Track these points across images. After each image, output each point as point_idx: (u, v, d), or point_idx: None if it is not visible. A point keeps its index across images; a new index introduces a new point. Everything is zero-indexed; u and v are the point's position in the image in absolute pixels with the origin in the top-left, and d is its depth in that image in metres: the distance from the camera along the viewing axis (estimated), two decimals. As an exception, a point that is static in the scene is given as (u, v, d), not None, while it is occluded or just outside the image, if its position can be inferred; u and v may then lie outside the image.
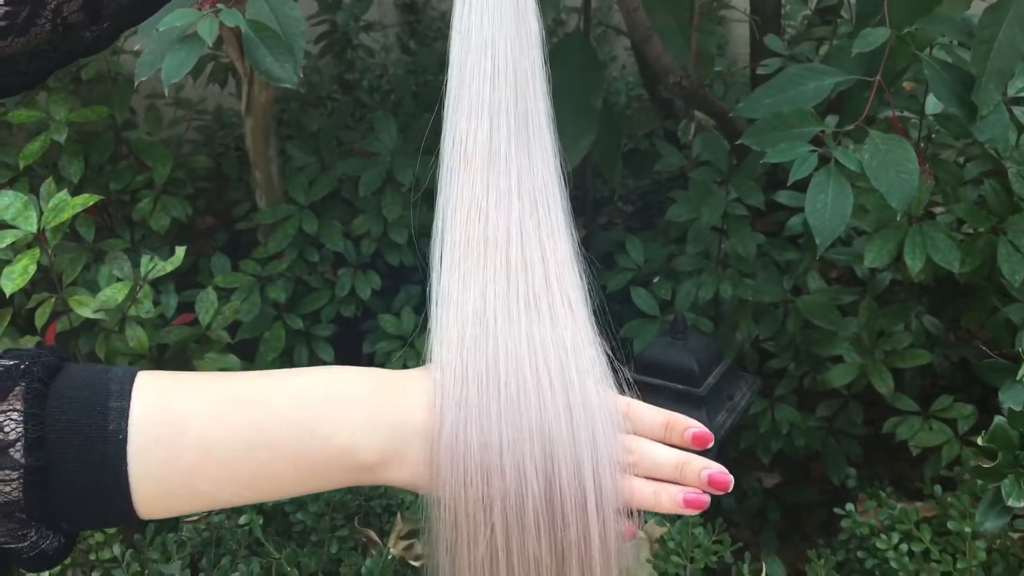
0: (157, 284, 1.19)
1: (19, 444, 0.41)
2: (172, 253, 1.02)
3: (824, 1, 1.57)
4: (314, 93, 1.83)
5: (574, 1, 1.68)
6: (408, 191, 1.35)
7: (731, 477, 0.48)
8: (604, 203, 1.77)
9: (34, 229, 0.96)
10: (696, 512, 0.48)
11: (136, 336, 1.01)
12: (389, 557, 0.84)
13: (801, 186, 0.88)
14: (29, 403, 0.41)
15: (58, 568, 0.92)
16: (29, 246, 0.97)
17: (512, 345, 0.46)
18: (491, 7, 0.48)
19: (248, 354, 1.25)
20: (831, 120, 1.00)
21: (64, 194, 0.97)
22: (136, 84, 0.87)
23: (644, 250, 1.39)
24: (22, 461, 0.41)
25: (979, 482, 0.84)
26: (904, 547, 0.90)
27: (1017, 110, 0.99)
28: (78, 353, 1.13)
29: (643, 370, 1.10)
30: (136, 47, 0.85)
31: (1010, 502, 0.70)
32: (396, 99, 1.79)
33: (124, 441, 0.43)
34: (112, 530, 0.91)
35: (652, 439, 0.50)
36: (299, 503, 0.94)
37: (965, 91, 0.78)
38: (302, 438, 0.45)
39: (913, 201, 0.95)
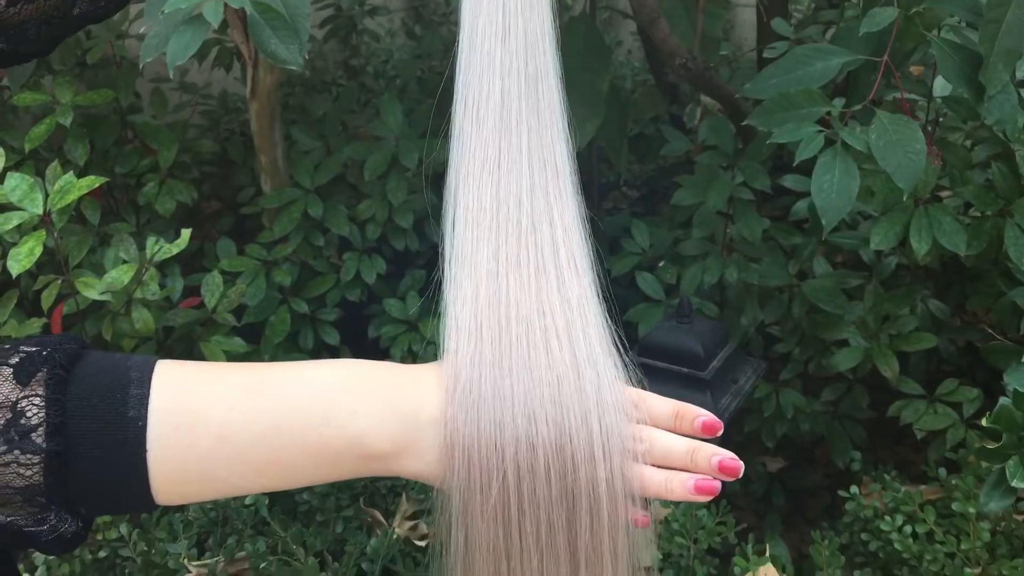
0: (163, 268, 1.20)
1: (41, 429, 0.41)
2: (178, 237, 1.03)
3: (831, -16, 1.56)
4: (319, 78, 1.83)
5: (580, -15, 1.67)
6: (413, 175, 1.35)
7: (741, 463, 0.49)
8: (610, 188, 1.76)
9: (40, 211, 0.96)
10: (707, 498, 0.49)
11: (142, 318, 1.02)
12: (394, 537, 0.84)
13: (807, 170, 0.88)
14: (51, 389, 0.42)
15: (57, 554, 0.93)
16: (35, 228, 0.97)
17: (523, 304, 0.48)
18: None
19: (254, 338, 1.25)
20: (839, 103, 1.00)
21: (70, 176, 0.97)
22: (141, 66, 0.87)
23: (650, 235, 1.39)
24: (43, 445, 0.41)
25: (983, 464, 0.84)
26: (908, 529, 0.90)
27: (1026, 92, 0.99)
28: (85, 336, 1.13)
29: (648, 353, 1.10)
30: (141, 30, 0.84)
31: (1014, 483, 0.70)
32: (401, 84, 1.78)
33: (143, 428, 0.43)
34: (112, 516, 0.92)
35: (662, 428, 0.50)
36: (305, 484, 0.94)
37: (973, 71, 0.78)
38: (317, 427, 0.46)
39: (920, 183, 0.95)
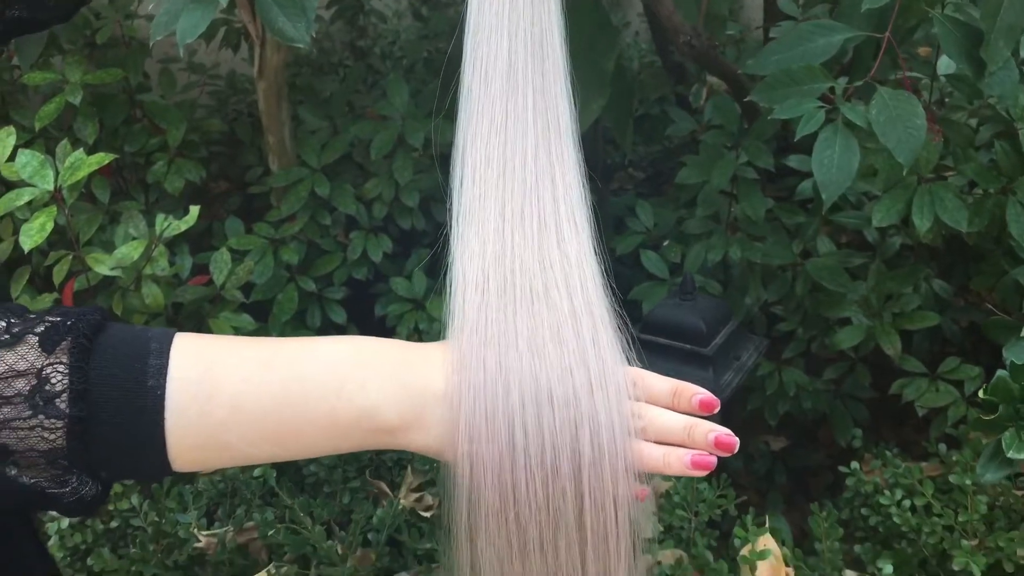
0: (172, 247, 1.21)
1: (64, 395, 0.43)
2: (186, 215, 1.04)
3: (839, -36, 1.55)
4: (326, 59, 1.84)
5: (586, -35, 1.66)
6: (420, 155, 1.35)
7: (737, 439, 0.51)
8: (616, 169, 1.77)
9: (51, 187, 0.97)
10: (704, 473, 0.50)
11: (152, 294, 1.03)
12: (399, 507, 0.86)
13: (811, 151, 0.88)
14: (75, 357, 0.44)
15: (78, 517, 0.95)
16: (46, 205, 0.98)
17: (526, 259, 0.49)
18: None
19: (262, 316, 1.27)
20: (843, 82, 1.00)
21: (80, 153, 0.98)
22: (151, 44, 0.88)
23: (654, 214, 1.39)
24: (67, 411, 0.43)
25: (984, 441, 0.85)
26: (907, 503, 0.91)
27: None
28: (95, 312, 1.15)
29: (651, 330, 1.11)
30: (150, 7, 0.86)
31: (1010, 454, 0.71)
32: (408, 64, 1.79)
33: (162, 396, 0.45)
34: (130, 481, 0.94)
35: (661, 406, 0.51)
36: (312, 457, 0.96)
37: (974, 48, 0.78)
38: (328, 399, 0.47)
39: (922, 160, 0.95)
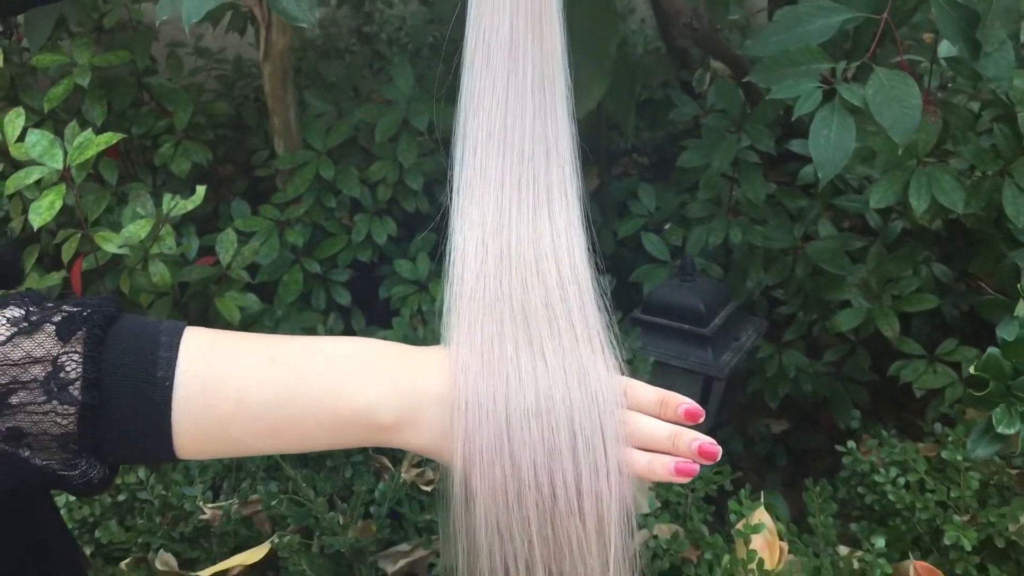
0: (179, 228, 1.23)
1: (78, 383, 0.45)
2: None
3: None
4: (332, 44, 1.85)
5: (591, -50, 1.66)
6: (424, 138, 1.36)
7: (719, 448, 0.53)
8: (620, 154, 1.77)
9: (60, 166, 0.99)
10: (686, 480, 0.52)
11: (159, 272, 1.05)
12: (401, 481, 0.87)
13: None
14: (89, 347, 0.45)
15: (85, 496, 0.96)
16: (55, 183, 1.00)
17: (522, 230, 0.51)
18: None
19: (267, 297, 1.28)
20: (843, 65, 1.01)
21: (88, 133, 1.00)
22: (156, 24, 0.89)
23: (656, 198, 1.40)
24: (79, 398, 0.45)
25: (977, 420, 0.86)
26: (901, 480, 0.92)
27: (1030, 54, 0.99)
28: (104, 290, 1.16)
29: (651, 311, 1.13)
30: (156, -11, 0.87)
31: (1000, 429, 0.72)
32: (413, 48, 1.80)
33: (170, 388, 0.47)
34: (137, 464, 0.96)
35: (648, 415, 0.53)
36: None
37: (971, 29, 0.79)
38: (329, 397, 0.49)
39: (920, 142, 0.96)
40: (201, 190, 1.04)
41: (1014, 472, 0.94)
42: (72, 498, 0.96)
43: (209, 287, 1.19)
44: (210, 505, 0.92)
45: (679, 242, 1.33)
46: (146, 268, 1.06)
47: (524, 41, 0.52)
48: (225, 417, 0.48)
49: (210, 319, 1.24)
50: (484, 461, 0.49)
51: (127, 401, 0.46)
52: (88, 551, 0.94)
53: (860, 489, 0.99)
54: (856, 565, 0.85)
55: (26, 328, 0.45)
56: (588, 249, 0.52)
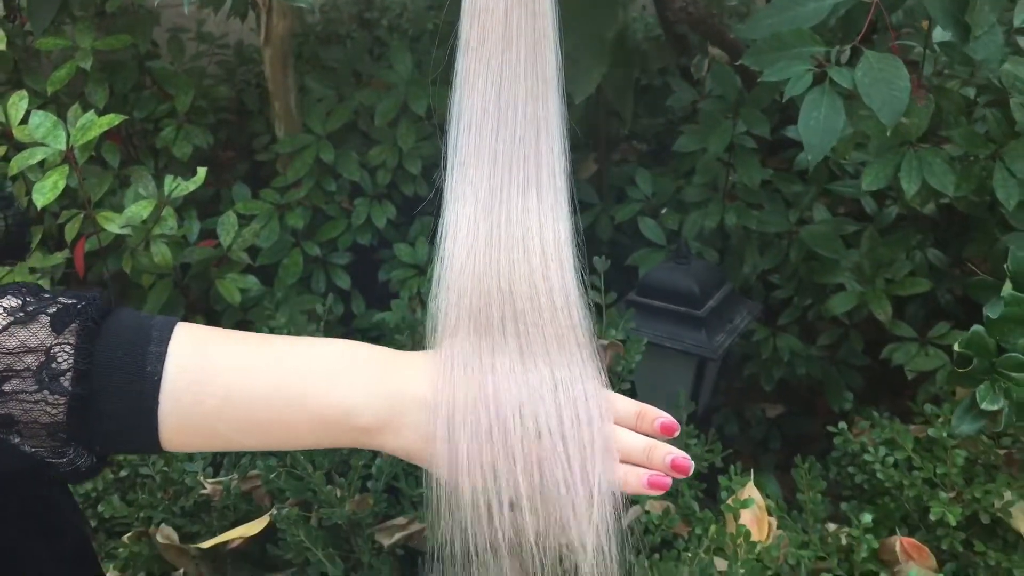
0: (180, 212, 1.24)
1: (69, 374, 0.46)
2: (194, 179, 1.07)
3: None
4: (333, 30, 1.86)
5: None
6: (423, 122, 1.37)
7: (692, 462, 0.54)
8: (618, 140, 1.78)
9: (63, 147, 1.00)
10: (659, 492, 0.53)
11: (160, 252, 1.06)
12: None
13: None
14: (81, 339, 0.47)
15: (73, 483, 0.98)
16: (59, 165, 1.01)
17: (512, 207, 0.52)
18: None
19: (268, 280, 1.30)
20: (837, 49, 1.01)
21: (91, 114, 1.01)
22: (155, 3, 0.90)
23: (653, 183, 1.41)
24: (69, 389, 0.46)
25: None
26: (890, 459, 0.93)
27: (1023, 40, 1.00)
28: (107, 271, 1.18)
29: (646, 293, 1.14)
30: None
31: (984, 405, 0.73)
32: (414, 34, 1.81)
33: (158, 382, 0.48)
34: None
35: (625, 427, 0.54)
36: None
37: (961, 12, 0.80)
38: (315, 397, 0.50)
39: (912, 126, 0.97)
40: (202, 171, 1.06)
41: (1002, 452, 0.95)
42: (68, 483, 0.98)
43: (210, 269, 1.20)
44: (210, 480, 0.94)
45: (675, 226, 1.34)
46: (148, 249, 1.08)
47: (518, 20, 0.53)
48: (212, 412, 0.49)
49: (211, 300, 1.25)
50: (466, 464, 0.50)
51: (116, 393, 0.47)
52: (91, 525, 0.96)
53: (850, 469, 1.00)
54: (844, 541, 0.87)
55: (22, 318, 0.46)
56: (572, 228, 0.54)
